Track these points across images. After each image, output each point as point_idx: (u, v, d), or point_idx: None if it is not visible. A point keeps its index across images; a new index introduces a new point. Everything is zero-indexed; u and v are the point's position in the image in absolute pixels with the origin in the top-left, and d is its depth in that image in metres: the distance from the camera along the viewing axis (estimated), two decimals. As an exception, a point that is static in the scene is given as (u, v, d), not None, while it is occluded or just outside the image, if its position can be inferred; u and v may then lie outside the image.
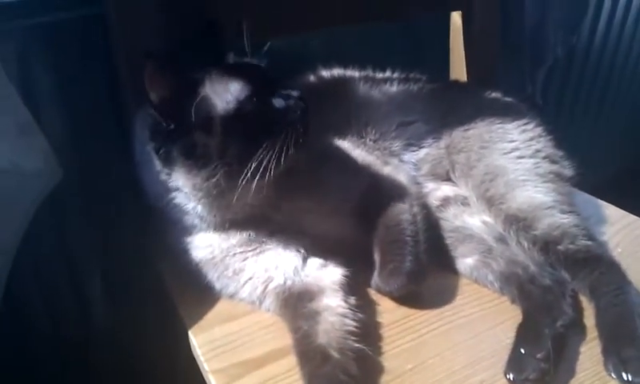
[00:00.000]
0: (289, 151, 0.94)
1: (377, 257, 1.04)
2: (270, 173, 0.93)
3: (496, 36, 1.56)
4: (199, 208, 1.00)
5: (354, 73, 1.35)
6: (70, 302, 1.49)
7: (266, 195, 0.99)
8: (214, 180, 0.95)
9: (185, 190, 0.99)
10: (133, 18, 1.12)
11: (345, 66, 1.37)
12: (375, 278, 1.03)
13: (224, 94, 0.95)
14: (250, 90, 0.96)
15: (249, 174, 0.92)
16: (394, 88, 1.33)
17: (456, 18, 1.56)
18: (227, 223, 1.02)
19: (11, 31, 1.21)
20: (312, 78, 1.34)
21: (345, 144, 1.19)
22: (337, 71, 1.35)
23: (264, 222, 1.03)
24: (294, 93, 0.98)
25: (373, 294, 1.07)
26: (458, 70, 1.57)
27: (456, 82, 1.53)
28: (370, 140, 1.23)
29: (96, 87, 1.33)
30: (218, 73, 0.97)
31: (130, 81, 1.14)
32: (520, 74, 2.06)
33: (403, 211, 1.07)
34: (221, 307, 1.05)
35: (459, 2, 1.53)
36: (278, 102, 0.97)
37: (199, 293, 1.06)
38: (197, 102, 0.93)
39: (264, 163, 0.92)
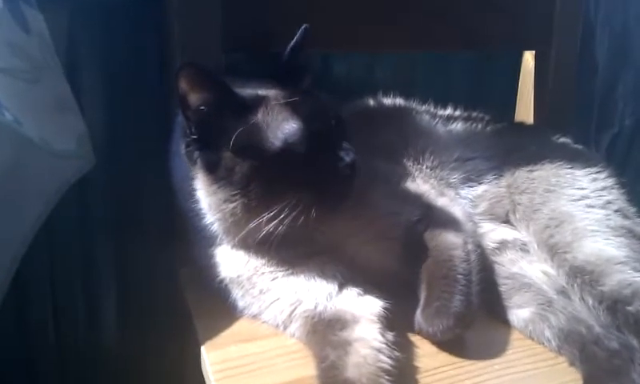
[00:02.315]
0: (309, 216, 0.87)
1: (422, 292, 0.93)
2: (283, 228, 0.86)
3: (572, 83, 1.44)
4: (216, 225, 0.94)
5: (417, 104, 1.29)
6: (79, 301, 1.40)
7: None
8: (232, 206, 0.88)
9: (202, 202, 0.93)
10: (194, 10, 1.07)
11: (407, 95, 1.30)
12: (418, 316, 0.92)
13: (276, 130, 0.88)
14: (305, 135, 0.88)
15: (263, 219, 0.86)
16: (456, 122, 1.26)
17: (528, 57, 1.47)
18: (251, 246, 0.94)
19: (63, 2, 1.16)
20: (372, 102, 1.28)
21: (399, 168, 1.11)
22: (398, 100, 1.29)
23: (300, 243, 0.94)
24: (348, 157, 0.88)
25: (412, 334, 0.95)
26: (525, 113, 1.48)
27: (522, 123, 1.43)
28: (427, 167, 1.15)
29: (144, 72, 1.28)
30: (277, 105, 0.90)
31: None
32: (584, 134, 1.95)
33: (456, 246, 0.97)
34: (241, 326, 0.97)
35: (535, 42, 1.43)
36: (328, 160, 0.88)
37: (218, 306, 0.99)
38: (244, 128, 0.87)
39: (281, 217, 0.86)
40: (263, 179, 0.87)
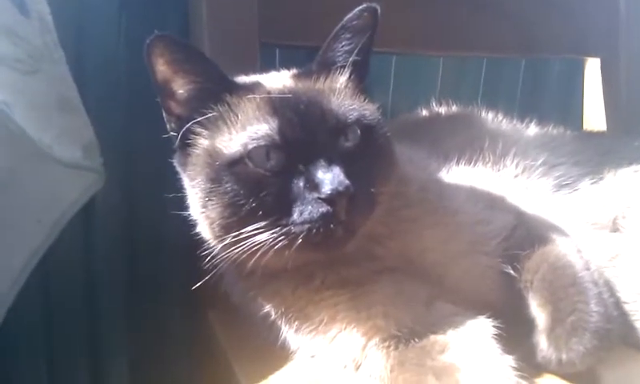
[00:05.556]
0: (288, 250, 0.68)
1: (541, 310, 0.75)
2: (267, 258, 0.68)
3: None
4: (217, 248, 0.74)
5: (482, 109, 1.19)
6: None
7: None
8: (205, 228, 0.74)
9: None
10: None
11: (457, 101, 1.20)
12: (542, 341, 0.73)
13: (240, 129, 0.70)
14: (277, 144, 0.69)
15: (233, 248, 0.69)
16: (532, 128, 1.16)
17: (593, 64, 1.38)
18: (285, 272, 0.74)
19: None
20: (427, 111, 1.18)
21: (480, 173, 0.95)
22: (458, 107, 1.19)
23: (362, 259, 0.77)
24: (331, 184, 0.66)
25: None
26: (594, 122, 1.38)
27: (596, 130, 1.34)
28: (511, 174, 1.00)
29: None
30: (255, 99, 0.72)
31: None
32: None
33: (570, 251, 0.80)
34: (294, 371, 0.78)
35: (599, 48, 1.36)
36: (296, 187, 0.68)
37: (263, 350, 0.81)
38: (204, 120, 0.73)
39: (247, 247, 0.68)
40: (220, 194, 0.69)
